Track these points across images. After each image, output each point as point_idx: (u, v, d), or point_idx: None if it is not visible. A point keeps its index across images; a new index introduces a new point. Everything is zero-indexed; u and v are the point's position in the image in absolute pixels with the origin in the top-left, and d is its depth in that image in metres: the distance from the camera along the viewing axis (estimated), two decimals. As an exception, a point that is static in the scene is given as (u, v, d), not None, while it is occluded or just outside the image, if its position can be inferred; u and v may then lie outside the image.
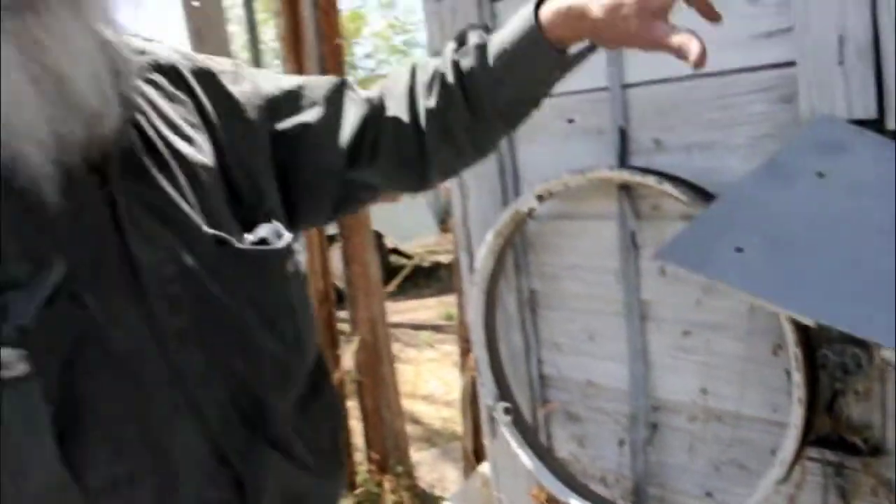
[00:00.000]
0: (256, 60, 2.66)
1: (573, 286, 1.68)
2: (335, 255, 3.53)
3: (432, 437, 4.47)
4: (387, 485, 3.36)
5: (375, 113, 0.96)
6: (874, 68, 1.14)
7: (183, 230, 0.76)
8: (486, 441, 1.98)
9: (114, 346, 0.70)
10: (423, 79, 0.94)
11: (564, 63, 0.89)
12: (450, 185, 1.87)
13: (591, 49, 0.90)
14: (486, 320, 1.74)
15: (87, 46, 0.68)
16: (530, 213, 1.59)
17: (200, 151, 0.83)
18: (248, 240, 0.82)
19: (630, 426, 1.64)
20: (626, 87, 1.49)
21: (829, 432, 1.32)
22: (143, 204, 0.75)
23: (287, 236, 0.86)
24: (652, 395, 1.59)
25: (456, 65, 0.91)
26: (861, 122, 1.16)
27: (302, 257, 0.89)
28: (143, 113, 0.79)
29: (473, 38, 0.91)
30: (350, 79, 1.01)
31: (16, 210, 0.67)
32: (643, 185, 1.44)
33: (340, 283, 3.37)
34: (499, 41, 0.88)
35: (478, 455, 2.77)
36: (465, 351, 2.39)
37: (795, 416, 1.27)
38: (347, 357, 2.36)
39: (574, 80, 1.43)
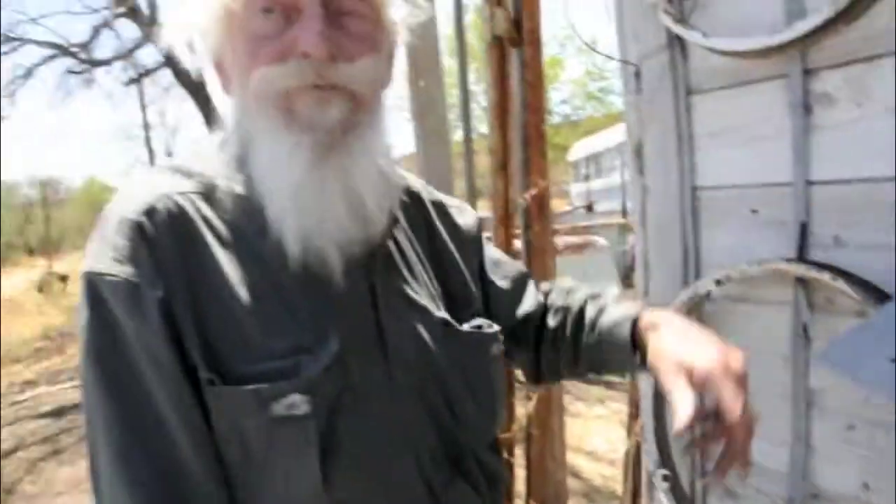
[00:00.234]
0: (467, 129, 2.92)
1: (742, 367, 1.75)
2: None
3: (591, 493, 4.49)
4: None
5: (539, 312, 1.25)
6: None
7: (421, 313, 1.00)
8: (645, 504, 2.07)
9: (363, 397, 0.91)
10: (569, 319, 1.21)
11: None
12: (637, 247, 2.00)
13: None
14: (656, 389, 1.84)
15: (373, 174, 0.91)
16: (707, 295, 1.69)
17: (431, 260, 1.09)
18: (467, 326, 1.05)
19: (787, 510, 1.67)
20: (810, 183, 1.56)
21: None
22: (394, 291, 0.98)
23: (496, 326, 1.08)
24: (811, 483, 1.63)
25: (578, 327, 1.19)
26: None
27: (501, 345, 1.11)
28: (398, 222, 1.04)
29: (591, 312, 1.18)
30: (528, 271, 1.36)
31: (309, 295, 0.90)
32: (818, 280, 1.51)
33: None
34: (606, 327, 1.15)
35: (635, 517, 2.82)
36: (634, 415, 2.47)
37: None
38: (521, 409, 2.51)
39: (761, 173, 1.55)
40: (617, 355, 1.13)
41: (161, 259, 0.86)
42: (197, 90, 11.61)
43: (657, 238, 1.92)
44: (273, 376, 0.85)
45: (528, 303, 1.25)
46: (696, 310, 1.77)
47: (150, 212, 0.87)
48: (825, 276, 1.47)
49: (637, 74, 1.87)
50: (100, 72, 12.49)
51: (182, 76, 11.75)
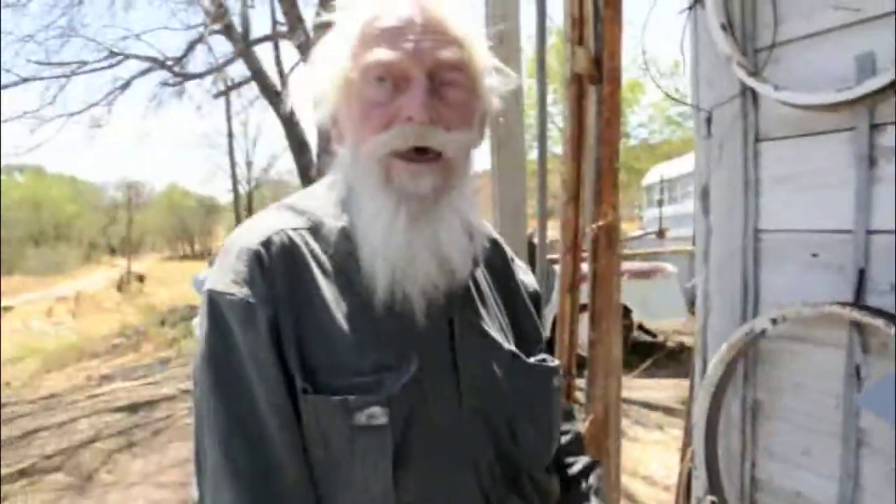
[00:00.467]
0: (542, 150, 3.05)
1: (795, 402, 1.83)
2: (583, 322, 3.78)
3: (645, 517, 4.56)
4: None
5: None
6: None
7: (492, 345, 1.14)
8: (694, 529, 2.14)
9: (434, 413, 1.05)
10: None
11: None
12: (698, 283, 2.09)
13: None
14: (709, 419, 1.92)
15: (459, 231, 1.06)
16: (763, 333, 1.78)
17: (503, 297, 1.23)
18: (532, 359, 1.18)
19: (835, 544, 1.73)
20: (870, 232, 1.64)
21: None
22: (469, 324, 1.12)
23: (556, 361, 1.22)
24: (858, 518, 1.69)
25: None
26: None
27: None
28: (478, 263, 1.18)
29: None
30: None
31: (395, 324, 1.04)
32: (872, 324, 1.58)
33: (583, 352, 3.61)
34: None
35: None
36: (688, 443, 2.54)
37: None
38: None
39: (823, 219, 1.63)
40: None
41: (273, 284, 1.01)
42: (279, 104, 12.04)
43: (718, 276, 2.01)
44: (359, 390, 0.99)
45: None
46: (751, 346, 1.85)
47: (267, 243, 1.03)
48: (879, 322, 1.54)
49: (708, 120, 1.97)
50: (191, 84, 13.07)
51: (268, 91, 12.21)
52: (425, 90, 1.01)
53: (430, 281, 1.04)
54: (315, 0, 11.47)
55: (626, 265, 7.40)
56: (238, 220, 30.13)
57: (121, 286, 26.28)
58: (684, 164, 15.87)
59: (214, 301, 1.02)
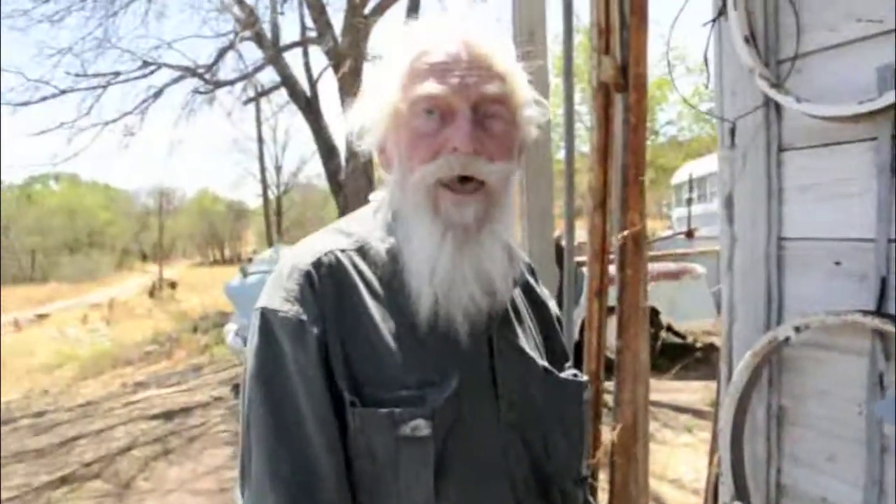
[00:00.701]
0: (570, 149, 3.09)
1: (819, 409, 1.85)
2: (612, 326, 3.79)
3: (673, 521, 4.57)
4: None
5: None
6: None
7: (527, 361, 1.20)
8: (721, 533, 2.16)
9: (472, 426, 1.10)
10: None
11: None
12: (723, 291, 2.12)
13: None
14: (735, 426, 1.95)
15: (501, 256, 1.12)
16: (786, 341, 1.80)
17: (536, 316, 1.31)
18: (564, 374, 1.24)
19: (859, 549, 1.75)
20: (892, 241, 1.65)
21: None
22: (507, 343, 1.18)
23: (585, 377, 1.28)
24: (882, 523, 1.71)
25: None
26: None
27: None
28: (516, 284, 1.24)
29: None
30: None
31: (438, 342, 1.10)
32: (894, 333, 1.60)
33: (611, 354, 3.62)
34: None
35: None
36: (715, 448, 2.56)
37: None
38: (606, 434, 2.64)
39: (846, 228, 1.65)
40: None
41: (323, 302, 1.08)
42: (309, 110, 12.17)
43: (742, 284, 2.04)
44: (404, 403, 1.05)
45: None
46: (775, 353, 1.88)
47: (318, 264, 1.10)
48: (901, 330, 1.57)
49: (732, 130, 2.00)
50: (221, 91, 13.20)
51: (297, 96, 12.33)
52: (470, 122, 1.07)
53: (473, 303, 1.09)
54: (343, 6, 11.52)
55: (655, 266, 7.37)
56: (267, 224, 30.41)
57: (153, 293, 26.59)
58: (714, 162, 15.68)
59: (266, 318, 1.09)
